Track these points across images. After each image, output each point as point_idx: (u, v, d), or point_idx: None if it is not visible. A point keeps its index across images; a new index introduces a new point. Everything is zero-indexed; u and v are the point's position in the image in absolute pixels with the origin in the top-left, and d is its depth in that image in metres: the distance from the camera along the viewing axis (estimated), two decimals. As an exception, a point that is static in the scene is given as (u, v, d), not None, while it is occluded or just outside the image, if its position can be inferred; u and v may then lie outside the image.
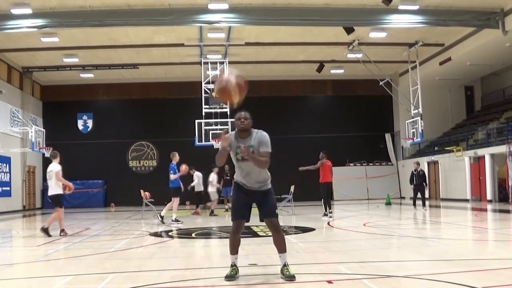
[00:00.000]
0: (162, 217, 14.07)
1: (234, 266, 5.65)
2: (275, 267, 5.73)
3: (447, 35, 22.18)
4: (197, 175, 18.66)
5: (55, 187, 10.98)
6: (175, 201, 14.39)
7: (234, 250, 5.71)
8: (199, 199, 19.00)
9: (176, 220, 14.05)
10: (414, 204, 18.10)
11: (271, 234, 5.77)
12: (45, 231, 10.83)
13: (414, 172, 18.09)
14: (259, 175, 5.60)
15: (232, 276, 5.54)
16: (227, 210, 19.56)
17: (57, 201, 11.09)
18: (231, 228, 5.80)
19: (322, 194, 15.41)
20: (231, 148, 5.58)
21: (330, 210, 15.15)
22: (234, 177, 5.80)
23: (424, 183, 18.02)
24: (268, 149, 5.54)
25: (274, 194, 5.77)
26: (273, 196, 5.74)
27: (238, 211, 5.67)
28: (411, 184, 18.21)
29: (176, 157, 14.45)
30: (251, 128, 5.60)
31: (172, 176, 14.23)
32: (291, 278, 5.39)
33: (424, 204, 17.85)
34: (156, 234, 11.31)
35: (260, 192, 5.65)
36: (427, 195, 19.68)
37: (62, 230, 11.10)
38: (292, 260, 5.70)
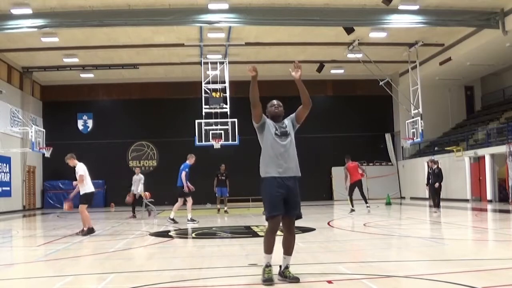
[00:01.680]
0: (191, 219, 14.12)
1: (270, 266, 5.43)
2: (275, 267, 5.72)
3: (447, 35, 22.18)
4: (135, 178, 17.44)
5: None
6: (180, 201, 14.39)
7: (271, 249, 5.47)
8: (135, 202, 17.43)
9: (173, 220, 14.06)
10: (435, 205, 16.16)
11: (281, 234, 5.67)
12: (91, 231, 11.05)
13: (430, 171, 16.45)
14: (295, 153, 5.61)
15: (271, 279, 5.31)
16: (224, 210, 19.32)
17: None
18: (268, 226, 5.54)
19: (349, 192, 17.37)
20: (267, 129, 5.60)
21: (367, 205, 17.20)
22: (265, 171, 5.56)
23: (438, 182, 16.06)
24: None
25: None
26: (299, 195, 5.62)
27: (275, 205, 5.42)
28: (427, 184, 16.55)
29: (192, 159, 14.44)
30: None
31: (183, 174, 14.15)
32: (296, 279, 5.36)
33: (437, 206, 16.16)
34: (156, 234, 11.30)
35: (293, 180, 5.52)
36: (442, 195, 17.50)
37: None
38: (292, 260, 5.70)
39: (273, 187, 5.45)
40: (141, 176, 17.46)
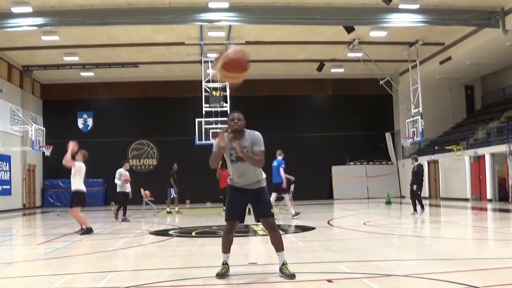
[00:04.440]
0: (296, 213, 14.43)
1: (225, 264, 5.71)
2: (275, 266, 5.73)
3: (448, 34, 22.17)
4: (118, 172, 15.45)
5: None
6: (286, 197, 14.75)
7: (226, 249, 5.79)
8: (123, 201, 15.43)
9: (297, 213, 14.49)
10: (414, 208, 14.74)
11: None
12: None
13: (411, 169, 15.10)
14: (254, 175, 5.66)
15: (223, 274, 5.60)
16: (177, 211, 18.52)
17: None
18: (225, 227, 5.85)
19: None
20: (225, 149, 5.60)
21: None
22: (228, 178, 5.84)
23: (417, 183, 14.59)
24: (262, 148, 5.58)
25: (268, 193, 5.92)
26: (267, 196, 5.83)
27: (233, 211, 5.72)
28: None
29: (283, 154, 14.70)
30: (244, 128, 5.63)
31: (281, 171, 14.43)
32: (291, 276, 5.39)
33: (415, 209, 14.65)
34: (156, 233, 11.30)
35: (255, 191, 5.68)
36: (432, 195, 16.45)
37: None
38: (292, 259, 5.70)
39: (234, 195, 5.72)
40: (119, 170, 15.53)
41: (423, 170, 15.13)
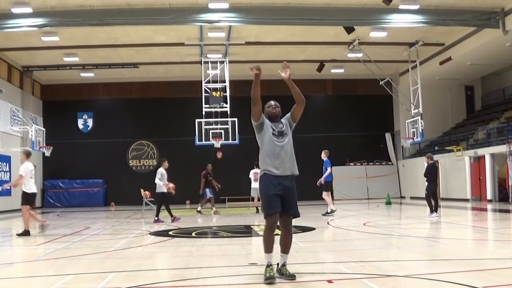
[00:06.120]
0: (331, 211, 15.63)
1: (271, 265, 5.47)
2: (275, 266, 5.72)
3: (448, 34, 22.17)
4: (160, 172, 14.97)
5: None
6: (327, 194, 15.98)
7: (270, 248, 5.54)
8: (161, 201, 14.93)
9: (332, 211, 15.59)
10: (432, 208, 14.06)
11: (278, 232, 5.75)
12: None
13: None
14: (292, 153, 5.73)
15: (272, 277, 5.33)
16: (215, 211, 18.62)
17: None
18: (266, 224, 5.63)
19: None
20: (265, 128, 5.69)
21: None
22: (262, 168, 5.69)
23: (428, 181, 14.35)
24: None
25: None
26: (296, 194, 5.76)
27: (273, 203, 5.53)
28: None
29: (327, 154, 16.22)
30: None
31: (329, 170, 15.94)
32: (292, 277, 5.40)
33: (435, 209, 14.09)
34: (156, 234, 11.31)
35: (290, 182, 5.62)
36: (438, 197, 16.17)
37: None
38: (292, 260, 5.70)
39: (270, 186, 5.57)
40: (160, 169, 15.04)
41: (433, 169, 14.53)
